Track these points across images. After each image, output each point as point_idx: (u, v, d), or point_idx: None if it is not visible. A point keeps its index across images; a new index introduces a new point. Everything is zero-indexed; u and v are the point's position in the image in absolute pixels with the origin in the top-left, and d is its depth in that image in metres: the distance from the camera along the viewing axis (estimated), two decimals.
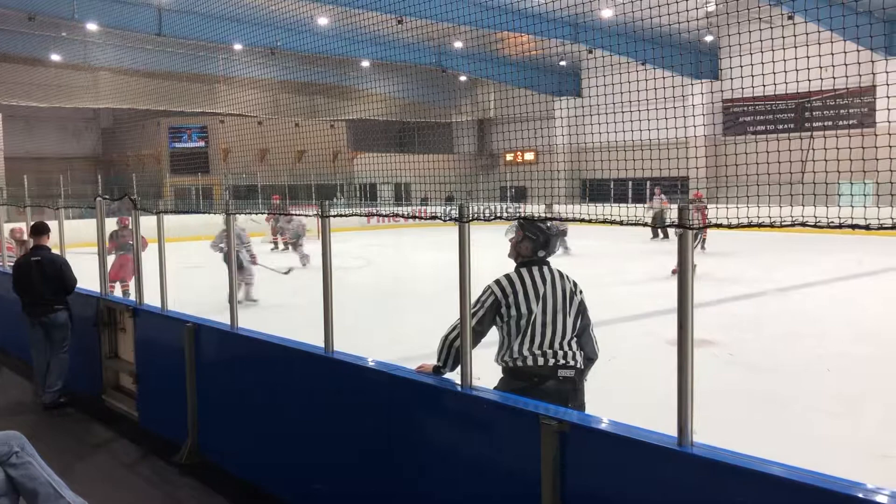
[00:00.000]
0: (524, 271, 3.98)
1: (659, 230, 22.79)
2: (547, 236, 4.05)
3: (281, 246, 21.17)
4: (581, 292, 4.03)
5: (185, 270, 12.53)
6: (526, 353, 3.82)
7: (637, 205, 23.09)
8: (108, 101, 30.18)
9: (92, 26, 24.62)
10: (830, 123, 27.08)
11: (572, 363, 3.86)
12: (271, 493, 4.81)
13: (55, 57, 27.42)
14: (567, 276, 4.04)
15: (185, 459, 5.44)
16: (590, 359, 4.02)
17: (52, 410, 6.88)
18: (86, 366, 7.16)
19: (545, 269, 4.00)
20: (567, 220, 3.82)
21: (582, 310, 3.99)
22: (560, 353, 3.84)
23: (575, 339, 3.93)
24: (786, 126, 28.09)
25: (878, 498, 2.29)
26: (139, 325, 6.34)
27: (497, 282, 3.94)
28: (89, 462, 5.64)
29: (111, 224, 12.55)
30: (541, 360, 3.81)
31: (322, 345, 4.39)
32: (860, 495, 2.31)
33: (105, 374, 6.93)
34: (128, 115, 33.93)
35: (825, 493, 2.36)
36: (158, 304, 6.07)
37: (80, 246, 12.25)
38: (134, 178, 29.96)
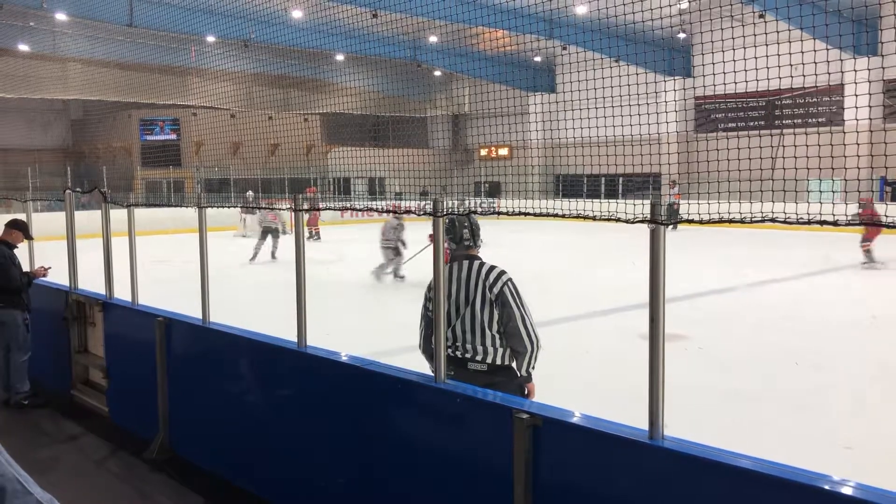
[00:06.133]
0: (446, 268, 4.10)
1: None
2: (454, 227, 4.19)
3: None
4: (506, 284, 4.01)
5: (154, 265, 12.39)
6: (451, 343, 4.03)
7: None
8: (77, 92, 29.63)
9: (61, 16, 24.20)
10: (800, 121, 27.46)
11: (480, 358, 3.97)
12: (243, 488, 4.78)
13: (23, 47, 26.91)
14: (488, 272, 4.06)
15: (156, 455, 5.40)
16: (517, 351, 4.01)
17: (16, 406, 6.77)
18: (55, 360, 7.05)
19: (465, 264, 4.12)
20: (544, 215, 3.81)
21: (501, 303, 3.99)
22: (469, 346, 3.99)
23: (497, 334, 3.99)
24: (756, 123, 28.43)
25: (843, 489, 2.34)
26: (109, 320, 6.26)
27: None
28: (59, 458, 5.57)
29: (80, 217, 12.38)
30: (451, 352, 4.02)
31: (294, 339, 4.37)
32: (826, 487, 2.36)
33: (74, 369, 6.83)
34: (98, 107, 33.37)
35: (792, 485, 2.40)
36: (129, 298, 6.01)
37: (48, 239, 12.10)
38: (104, 170, 29.50)
